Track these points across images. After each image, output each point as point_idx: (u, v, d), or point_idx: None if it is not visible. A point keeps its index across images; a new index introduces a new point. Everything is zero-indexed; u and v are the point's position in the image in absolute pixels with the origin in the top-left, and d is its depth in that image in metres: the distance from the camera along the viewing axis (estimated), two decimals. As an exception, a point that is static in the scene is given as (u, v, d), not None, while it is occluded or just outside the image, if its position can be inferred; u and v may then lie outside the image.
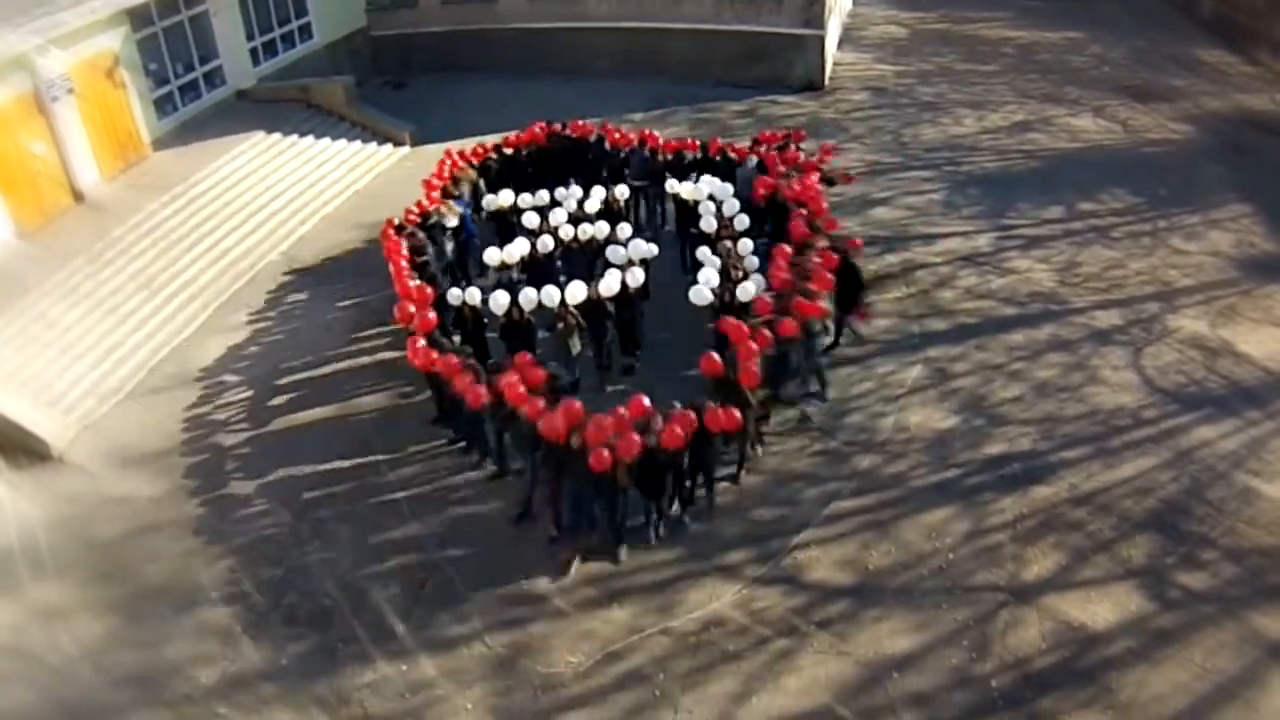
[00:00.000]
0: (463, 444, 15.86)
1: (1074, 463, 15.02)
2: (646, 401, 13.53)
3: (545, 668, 12.17)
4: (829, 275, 16.28)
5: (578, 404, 13.53)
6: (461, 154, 22.28)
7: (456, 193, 20.70)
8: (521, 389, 13.81)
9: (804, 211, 18.03)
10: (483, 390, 14.17)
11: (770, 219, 19.48)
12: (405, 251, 18.16)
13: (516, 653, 12.39)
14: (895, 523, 14.08)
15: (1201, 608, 12.45)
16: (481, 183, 21.72)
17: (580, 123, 23.35)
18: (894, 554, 13.54)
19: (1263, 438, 15.39)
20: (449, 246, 19.60)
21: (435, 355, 15.17)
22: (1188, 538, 13.52)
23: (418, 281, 17.22)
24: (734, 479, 14.85)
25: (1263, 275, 19.82)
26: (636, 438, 12.84)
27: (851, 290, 17.13)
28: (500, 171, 22.22)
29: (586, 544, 13.76)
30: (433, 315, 16.07)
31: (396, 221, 19.54)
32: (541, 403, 13.60)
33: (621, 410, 13.39)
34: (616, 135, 22.41)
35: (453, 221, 19.62)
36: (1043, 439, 15.55)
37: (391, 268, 17.85)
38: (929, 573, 13.21)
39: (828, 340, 17.53)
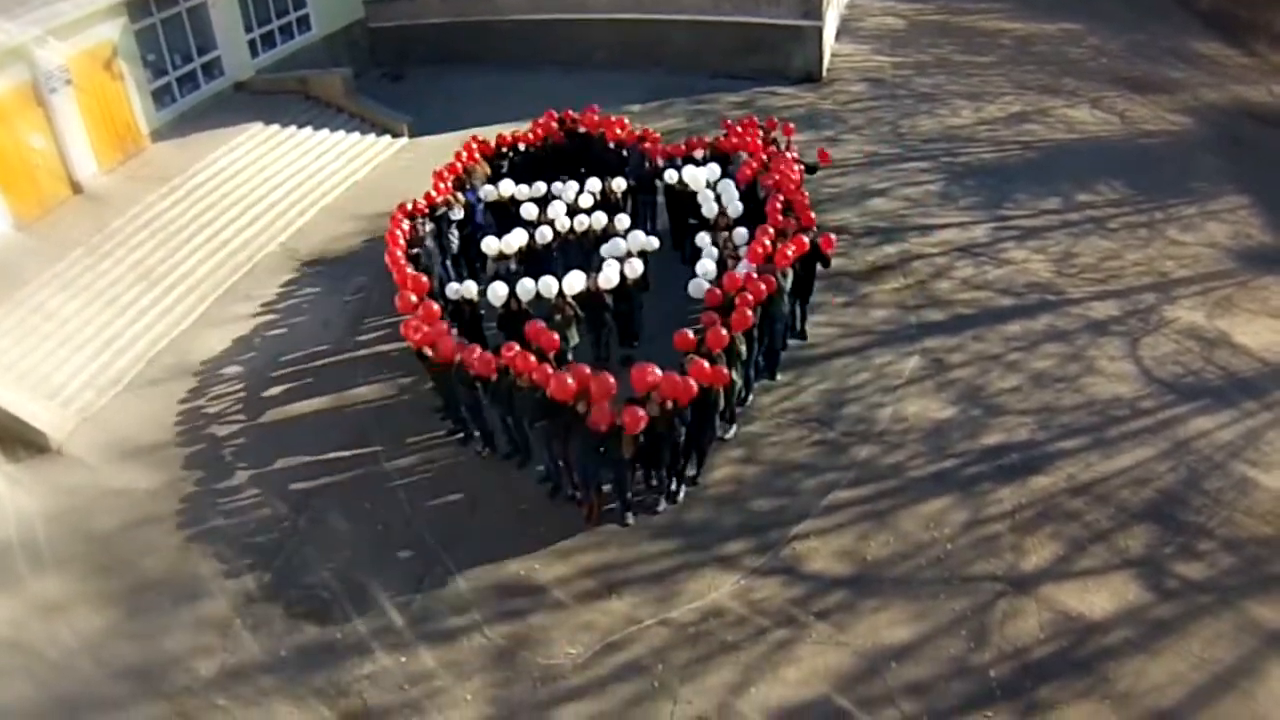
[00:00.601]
0: (460, 436, 15.89)
1: (1071, 453, 15.05)
2: (650, 374, 13.48)
3: (545, 659, 12.20)
4: (788, 254, 16.32)
5: (586, 368, 13.68)
6: (482, 145, 22.24)
7: (469, 185, 20.68)
8: (530, 357, 13.98)
9: (780, 198, 18.04)
10: (490, 358, 14.22)
11: (751, 206, 19.44)
12: (401, 241, 18.17)
13: (516, 644, 12.41)
14: (893, 513, 14.11)
15: (1199, 598, 12.49)
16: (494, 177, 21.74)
17: (593, 111, 23.34)
18: (892, 544, 13.57)
19: (1259, 428, 15.43)
20: (454, 238, 19.56)
21: (434, 331, 15.17)
22: (1185, 528, 13.56)
23: (412, 270, 17.22)
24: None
25: (1259, 266, 19.84)
26: (641, 412, 12.96)
27: (811, 275, 17.60)
28: (517, 166, 22.19)
29: (602, 500, 14.20)
30: (435, 306, 16.04)
31: (409, 208, 19.53)
32: (549, 368, 13.73)
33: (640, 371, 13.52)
34: (618, 131, 22.41)
35: (458, 214, 19.58)
36: (1040, 429, 15.58)
37: (388, 256, 17.84)
38: (927, 563, 13.24)
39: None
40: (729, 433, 15.63)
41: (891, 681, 11.65)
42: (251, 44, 28.28)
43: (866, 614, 12.54)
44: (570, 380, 13.28)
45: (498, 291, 16.29)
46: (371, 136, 27.49)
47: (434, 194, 19.83)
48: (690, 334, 14.64)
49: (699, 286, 16.37)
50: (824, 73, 30.86)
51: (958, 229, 21.46)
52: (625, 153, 21.65)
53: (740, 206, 18.65)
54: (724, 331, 14.35)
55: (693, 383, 13.37)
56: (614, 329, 17.18)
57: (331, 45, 31.73)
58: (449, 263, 19.39)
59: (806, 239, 16.80)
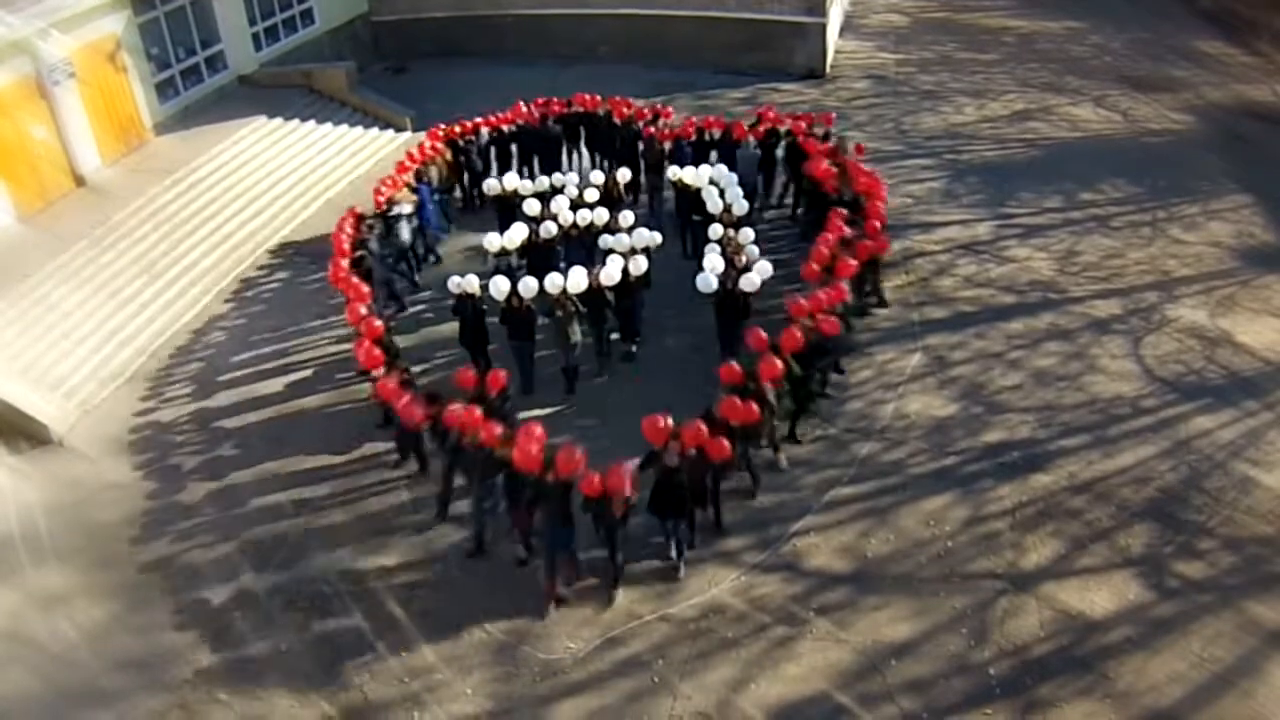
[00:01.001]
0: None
1: (1073, 451, 15.06)
2: (662, 423, 12.68)
3: (545, 654, 12.20)
4: (852, 262, 16.31)
5: (539, 429, 12.79)
6: (449, 129, 22.85)
7: (425, 178, 21.03)
8: (477, 413, 13.03)
9: (843, 211, 17.95)
10: (419, 412, 13.82)
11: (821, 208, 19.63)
12: (346, 246, 18.21)
13: (516, 639, 12.41)
14: (894, 510, 14.12)
15: (1199, 597, 12.49)
16: (463, 163, 22.53)
17: (584, 96, 24.03)
18: (893, 541, 13.58)
19: (1260, 428, 15.43)
20: (405, 234, 19.78)
21: (380, 363, 15.02)
22: (1186, 527, 13.57)
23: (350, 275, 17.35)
24: (751, 494, 14.42)
25: (1262, 265, 19.84)
26: (632, 466, 12.31)
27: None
28: (484, 151, 22.94)
29: (566, 579, 12.96)
30: (378, 322, 16.07)
31: (359, 210, 19.71)
32: (499, 429, 12.91)
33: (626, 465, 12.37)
34: (625, 110, 22.85)
35: (408, 208, 19.83)
36: (1041, 427, 15.59)
37: (332, 267, 17.87)
38: (928, 560, 13.25)
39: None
40: (782, 462, 14.94)
41: (891, 678, 11.66)
42: (255, 37, 28.30)
43: (867, 611, 12.56)
44: (533, 449, 12.30)
45: (500, 287, 16.25)
46: (375, 130, 27.48)
47: (383, 188, 20.01)
48: (736, 366, 14.00)
49: (706, 282, 16.36)
50: (827, 69, 30.87)
51: (960, 226, 21.45)
52: (634, 128, 22.25)
53: (745, 205, 18.71)
54: (777, 364, 13.95)
55: (724, 443, 12.63)
56: (616, 325, 17.17)
57: (335, 39, 31.76)
58: (403, 264, 19.80)
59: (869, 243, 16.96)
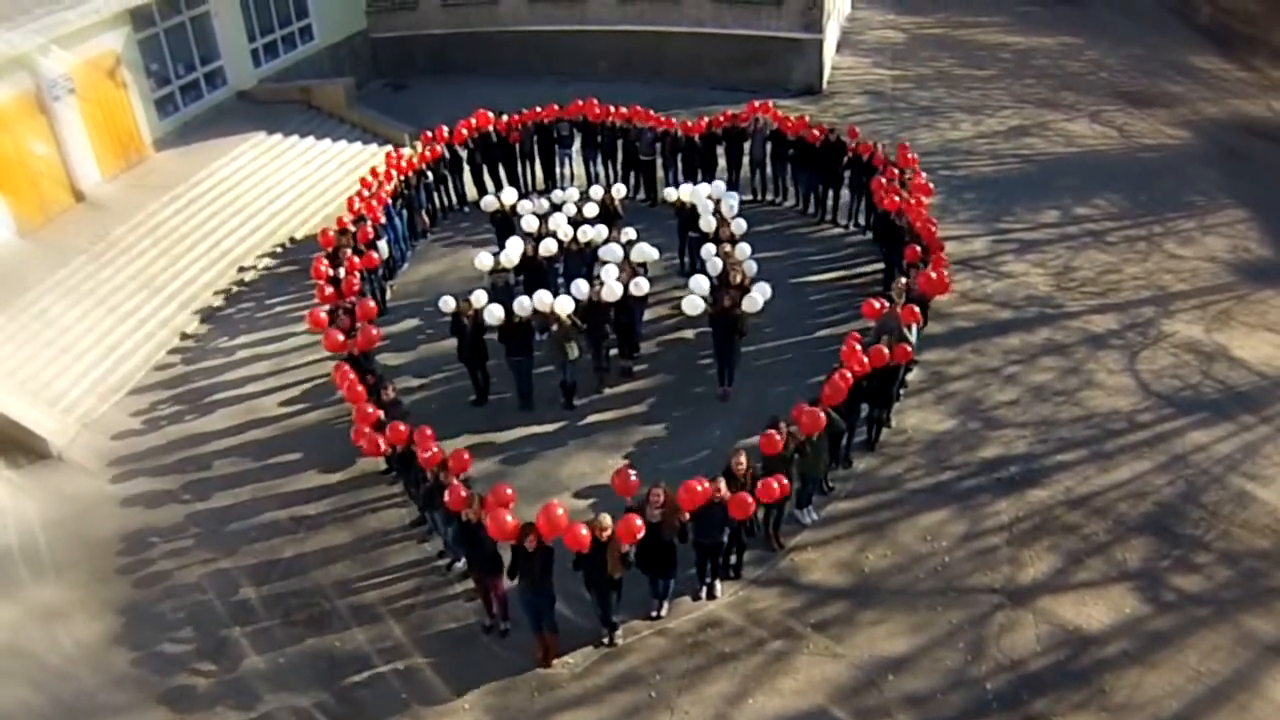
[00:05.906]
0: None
1: (1070, 466, 15.11)
2: (634, 475, 12.28)
3: (542, 669, 12.20)
4: (914, 310, 15.86)
5: (509, 491, 12.13)
6: (430, 142, 23.27)
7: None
8: (461, 492, 12.02)
9: (917, 248, 17.48)
10: (375, 441, 13.63)
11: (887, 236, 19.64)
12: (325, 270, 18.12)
13: (514, 654, 12.40)
14: (892, 525, 14.16)
15: (1196, 610, 12.54)
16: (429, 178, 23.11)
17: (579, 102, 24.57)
18: (890, 556, 13.61)
19: (1257, 442, 15.48)
20: (384, 246, 20.06)
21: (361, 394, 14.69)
22: (1183, 541, 13.61)
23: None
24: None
25: (1258, 280, 19.93)
26: (637, 520, 11.50)
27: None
28: (455, 163, 23.65)
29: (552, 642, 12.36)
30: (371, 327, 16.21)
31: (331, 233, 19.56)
32: (462, 489, 12.09)
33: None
34: (623, 111, 23.81)
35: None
36: (1038, 442, 15.63)
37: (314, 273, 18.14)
38: (925, 575, 13.28)
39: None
40: (809, 516, 14.38)
41: (888, 693, 11.68)
42: (254, 54, 28.37)
43: (864, 625, 12.59)
44: (509, 518, 11.39)
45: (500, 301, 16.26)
46: (373, 146, 27.46)
47: (346, 218, 19.84)
48: (777, 437, 12.76)
49: (693, 304, 16.27)
50: (824, 85, 31.04)
51: (957, 242, 21.46)
52: (636, 128, 23.38)
53: (744, 224, 18.67)
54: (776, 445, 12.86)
55: (748, 499, 11.93)
56: (613, 341, 17.19)
57: (334, 55, 31.85)
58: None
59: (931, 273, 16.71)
